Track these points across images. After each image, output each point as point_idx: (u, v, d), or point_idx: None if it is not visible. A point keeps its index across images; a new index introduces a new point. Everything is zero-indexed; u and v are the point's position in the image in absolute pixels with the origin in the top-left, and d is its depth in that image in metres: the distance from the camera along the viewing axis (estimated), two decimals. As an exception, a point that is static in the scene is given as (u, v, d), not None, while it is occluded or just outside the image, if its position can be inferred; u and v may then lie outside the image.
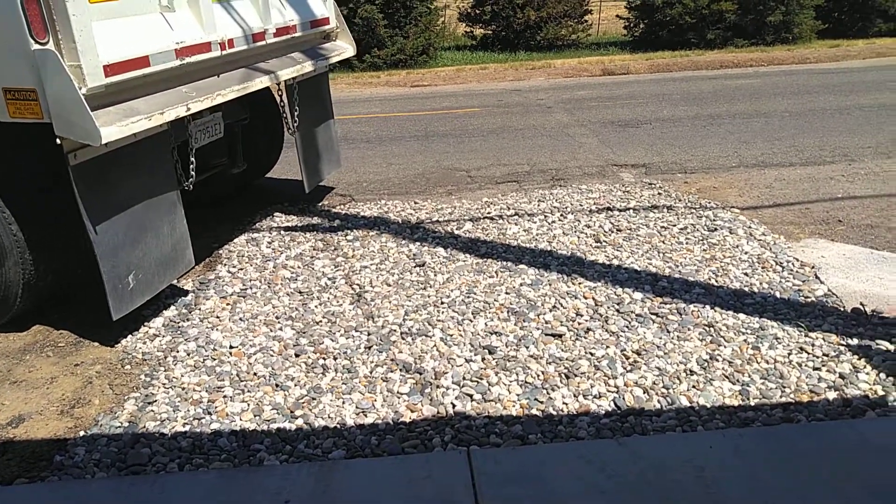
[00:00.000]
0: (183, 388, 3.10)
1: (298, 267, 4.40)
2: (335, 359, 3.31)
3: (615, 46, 19.20)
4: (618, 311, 3.70)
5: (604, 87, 11.07)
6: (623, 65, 14.45)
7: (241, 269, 4.39)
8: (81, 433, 2.80)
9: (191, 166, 4.00)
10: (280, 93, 5.01)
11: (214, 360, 3.33)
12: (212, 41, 3.93)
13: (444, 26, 19.54)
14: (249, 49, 4.32)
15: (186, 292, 4.09)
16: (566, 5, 20.64)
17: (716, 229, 4.75)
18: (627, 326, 3.54)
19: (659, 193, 5.60)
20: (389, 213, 5.32)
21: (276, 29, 4.58)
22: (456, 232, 4.89)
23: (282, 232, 5.00)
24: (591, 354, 3.29)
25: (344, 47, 5.52)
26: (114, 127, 3.16)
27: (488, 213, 5.27)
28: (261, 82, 4.35)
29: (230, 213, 5.35)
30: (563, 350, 3.34)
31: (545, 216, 5.13)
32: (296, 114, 5.06)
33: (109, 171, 3.39)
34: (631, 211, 5.19)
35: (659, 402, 2.93)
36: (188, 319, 3.76)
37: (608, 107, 9.20)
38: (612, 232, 4.79)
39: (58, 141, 3.08)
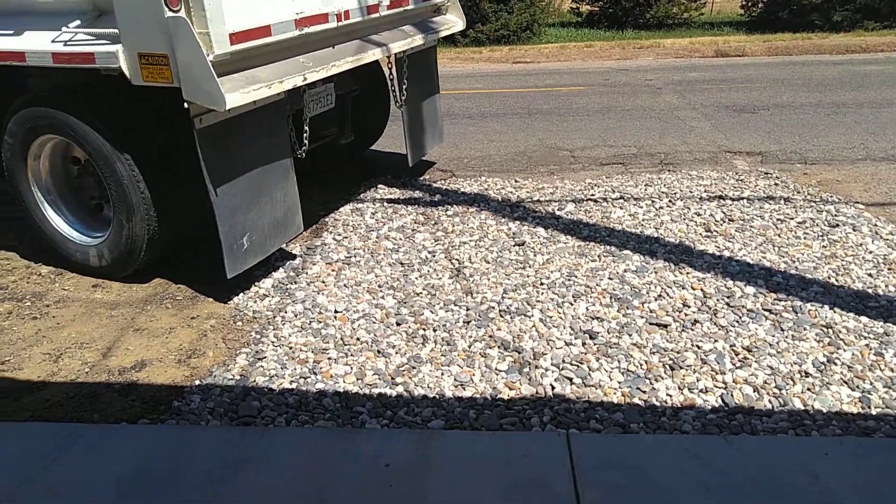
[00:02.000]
0: (290, 348, 3.22)
1: (400, 239, 4.46)
2: (434, 330, 3.34)
3: (730, 27, 18.20)
4: (728, 304, 3.53)
5: (717, 70, 10.53)
6: (738, 46, 13.67)
7: (346, 238, 4.50)
8: (197, 382, 2.97)
9: (304, 135, 4.12)
10: (390, 66, 5.05)
11: (320, 322, 3.44)
12: (329, 12, 4.00)
13: (549, 2, 19.12)
14: (363, 21, 4.37)
15: (294, 256, 4.24)
16: (679, -18, 19.73)
17: (837, 225, 4.44)
18: (738, 321, 3.38)
19: (775, 184, 5.29)
20: (489, 191, 5.29)
21: (390, 1, 4.60)
22: (557, 213, 4.80)
23: (385, 204, 5.08)
24: (698, 347, 3.17)
25: (454, 21, 5.50)
26: (237, 94, 3.28)
27: (592, 195, 5.15)
28: (373, 54, 4.40)
29: (336, 183, 5.48)
30: (668, 341, 3.23)
31: (652, 201, 4.95)
32: (404, 87, 5.09)
33: (230, 136, 3.54)
34: (745, 201, 4.93)
35: (770, 402, 2.79)
36: (296, 282, 3.90)
37: (722, 90, 8.75)
38: (724, 222, 4.57)
39: (185, 105, 3.24)
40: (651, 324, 3.38)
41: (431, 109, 5.67)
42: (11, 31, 3.70)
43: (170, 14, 3.09)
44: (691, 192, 5.15)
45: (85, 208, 4.16)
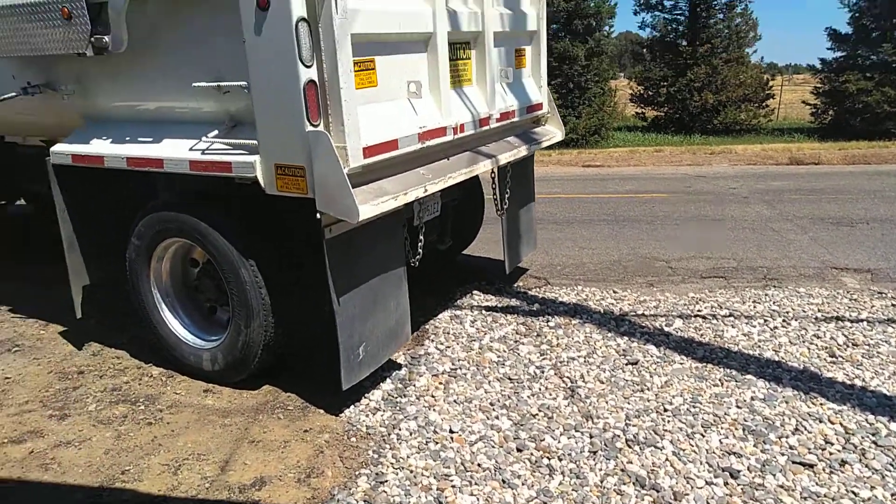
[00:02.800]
0: (411, 471, 3.06)
1: (504, 351, 4.33)
2: (560, 460, 3.14)
3: (800, 133, 18.13)
4: (875, 443, 3.24)
5: (799, 179, 10.37)
6: (813, 154, 13.54)
7: (449, 347, 4.40)
8: (318, 505, 2.83)
9: (420, 244, 4.12)
10: (492, 175, 5.10)
11: (437, 443, 3.29)
12: (447, 126, 4.08)
13: (615, 107, 19.53)
14: (475, 133, 4.45)
15: (400, 366, 4.15)
16: (746, 89, 19.98)
17: (978, 355, 4.12)
18: (892, 464, 3.08)
19: (893, 305, 5.01)
20: (589, 301, 5.16)
21: (500, 114, 4.70)
22: (665, 329, 4.62)
23: (483, 311, 5.00)
24: (854, 494, 2.88)
25: (553, 132, 5.57)
26: (368, 206, 3.31)
27: (698, 310, 4.95)
28: (484, 166, 4.45)
29: (433, 288, 5.44)
30: (818, 484, 2.95)
31: (765, 320, 4.72)
32: (506, 196, 5.11)
33: (354, 246, 3.55)
34: (864, 323, 4.66)
35: (957, 569, 2.47)
36: (405, 395, 3.78)
37: (812, 201, 8.56)
38: (848, 346, 4.30)
39: (318, 215, 3.28)
40: (794, 462, 3.11)
41: (528, 217, 5.67)
42: (151, 139, 3.89)
43: (310, 128, 3.19)
44: (804, 311, 4.91)
45: (200, 311, 4.21)
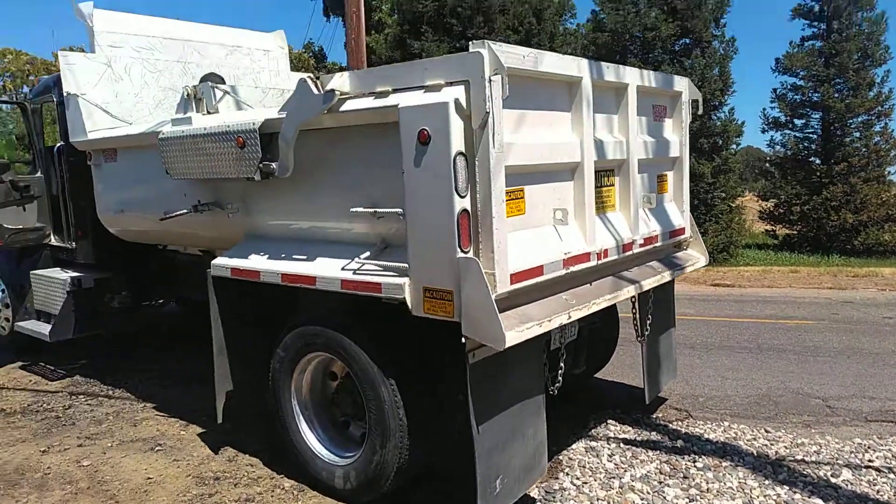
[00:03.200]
0: None
1: (647, 493, 4.00)
2: None
3: (958, 257, 16.55)
4: None
5: (967, 309, 9.34)
6: (976, 280, 12.25)
7: (586, 484, 4.12)
8: None
9: (560, 371, 3.99)
10: (633, 299, 4.94)
11: None
12: (591, 251, 4.02)
13: (743, 224, 18.82)
14: (619, 258, 4.35)
15: (534, 501, 3.92)
16: (890, 209, 18.76)
17: None
18: None
19: None
20: (739, 441, 4.73)
21: (643, 239, 4.60)
22: (832, 480, 4.11)
23: (621, 445, 4.69)
24: None
25: (697, 257, 5.36)
26: (513, 332, 3.25)
27: (869, 460, 4.40)
28: (627, 291, 4.31)
29: (564, 415, 5.20)
30: None
31: (956, 479, 4.11)
32: (647, 322, 4.91)
33: (497, 372, 3.48)
34: None
35: None
36: (542, 536, 3.54)
37: None
38: None
39: (462, 340, 3.26)
40: None
41: (668, 343, 5.40)
42: (305, 257, 4.09)
43: (461, 254, 3.23)
44: None
45: (335, 425, 4.23)
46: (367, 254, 3.74)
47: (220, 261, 4.54)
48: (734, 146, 17.69)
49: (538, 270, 3.58)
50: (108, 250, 6.49)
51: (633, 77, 4.35)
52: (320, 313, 4.12)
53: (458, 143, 3.17)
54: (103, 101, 5.69)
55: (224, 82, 5.16)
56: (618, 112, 4.35)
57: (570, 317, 3.70)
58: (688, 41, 16.37)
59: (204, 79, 5.27)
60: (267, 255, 4.34)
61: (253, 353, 4.64)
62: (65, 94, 5.65)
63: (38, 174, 7.00)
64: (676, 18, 15.76)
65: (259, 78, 6.89)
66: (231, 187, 4.56)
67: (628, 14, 15.92)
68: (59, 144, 6.47)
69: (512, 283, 3.37)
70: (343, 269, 3.81)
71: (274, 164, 4.03)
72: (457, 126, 3.16)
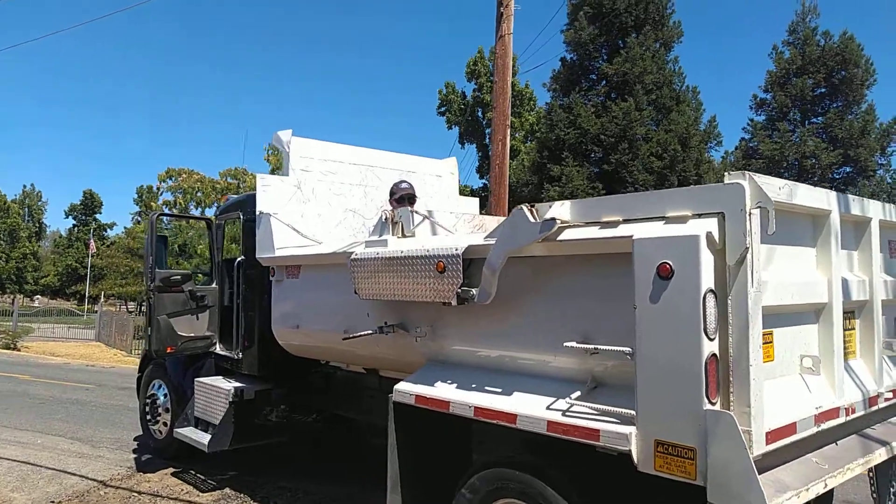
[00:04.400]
0: None
1: None
2: None
3: None
4: None
5: None
6: None
7: None
8: None
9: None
10: (872, 469, 4.19)
11: None
12: (840, 406, 3.45)
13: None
14: (864, 414, 3.73)
15: None
16: None
17: None
18: None
19: None
20: None
21: (889, 391, 3.94)
22: None
23: None
24: None
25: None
26: (773, 502, 2.73)
27: None
28: (879, 455, 3.64)
29: None
30: None
31: None
32: (892, 491, 4.12)
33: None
34: None
35: None
36: None
37: None
38: None
39: (708, 506, 2.77)
40: None
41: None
42: (499, 390, 3.80)
43: (709, 406, 2.80)
44: None
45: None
46: (578, 393, 3.39)
47: (403, 386, 4.32)
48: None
49: (791, 428, 3.09)
50: (271, 362, 6.53)
51: (875, 210, 3.91)
52: (517, 456, 3.74)
53: (708, 279, 2.85)
54: (291, 221, 5.90)
55: (413, 203, 5.21)
56: (858, 248, 3.88)
57: (826, 485, 3.12)
58: (849, 169, 15.47)
59: (401, 201, 5.35)
60: (455, 384, 4.08)
61: (431, 491, 4.30)
62: (258, 212, 5.92)
63: (214, 285, 7.32)
64: (837, 147, 15.03)
65: (429, 202, 7.00)
66: (419, 310, 4.42)
67: (785, 142, 15.37)
68: (239, 258, 6.75)
69: (767, 444, 2.90)
70: (549, 408, 3.47)
71: (474, 290, 3.85)
72: (707, 261, 2.85)
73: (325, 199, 6.32)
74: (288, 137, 6.15)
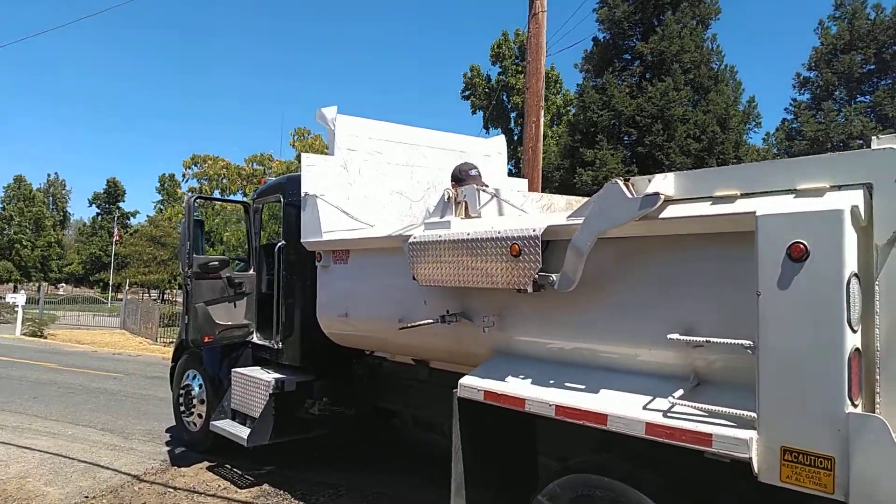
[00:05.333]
0: None
1: None
2: None
3: None
4: None
5: None
6: None
7: None
8: None
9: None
10: None
11: None
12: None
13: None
14: None
15: None
16: None
17: None
18: None
19: None
20: None
21: None
22: None
23: None
24: None
25: None
26: (934, 526, 2.35)
27: None
28: None
29: None
30: None
31: None
32: None
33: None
34: None
35: None
36: None
37: None
38: None
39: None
40: None
41: None
42: (583, 386, 3.44)
43: (851, 409, 2.42)
44: None
45: None
46: (680, 392, 3.01)
47: (469, 380, 3.97)
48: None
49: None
50: (314, 352, 6.21)
51: None
52: (606, 460, 3.37)
53: (851, 261, 2.45)
54: (339, 203, 5.56)
55: (481, 181, 4.84)
56: None
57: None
58: None
59: (462, 181, 4.98)
60: (530, 380, 3.73)
61: (497, 493, 3.97)
62: (304, 193, 5.59)
63: (251, 272, 7.02)
64: (887, 126, 14.38)
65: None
66: (486, 298, 4.06)
67: (830, 122, 14.74)
68: (280, 243, 6.43)
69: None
70: (646, 408, 3.10)
71: (553, 276, 3.48)
72: (851, 240, 2.45)
73: (372, 180, 5.97)
74: (333, 115, 5.80)
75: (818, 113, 15.05)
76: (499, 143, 7.05)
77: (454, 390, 4.01)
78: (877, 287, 2.48)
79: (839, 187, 2.54)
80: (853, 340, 2.45)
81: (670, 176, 3.08)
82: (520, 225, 3.70)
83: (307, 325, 6.00)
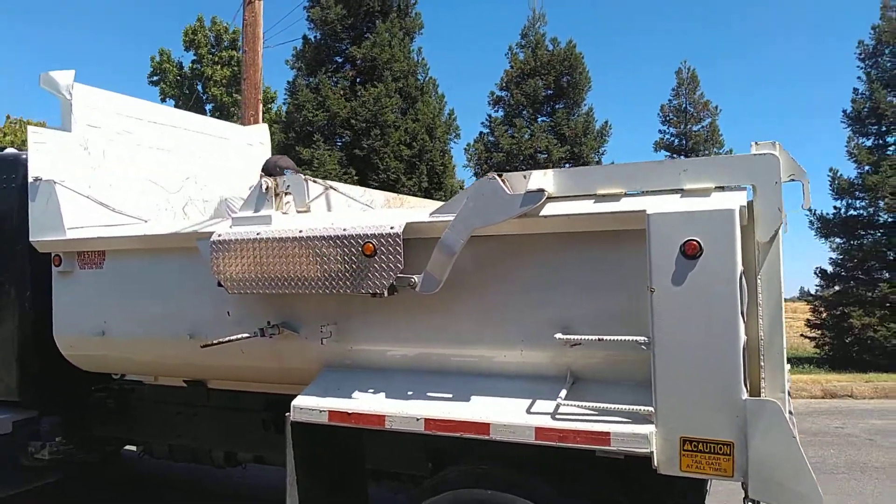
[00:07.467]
0: None
1: None
2: None
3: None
4: None
5: None
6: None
7: None
8: None
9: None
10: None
11: None
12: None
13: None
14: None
15: None
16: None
17: None
18: None
19: None
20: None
21: None
22: None
23: None
24: None
25: None
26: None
27: None
28: None
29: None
30: None
31: None
32: None
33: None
34: None
35: None
36: None
37: None
38: None
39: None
40: None
41: None
42: (450, 395, 3.19)
43: (746, 397, 2.60)
44: None
45: None
46: (564, 392, 2.96)
47: (305, 401, 3.41)
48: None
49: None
50: (37, 382, 4.85)
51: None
52: (488, 471, 3.16)
53: (740, 258, 2.63)
54: (84, 191, 4.38)
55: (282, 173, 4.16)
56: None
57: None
58: (570, 165, 17.39)
59: (281, 169, 4.25)
60: (384, 393, 3.34)
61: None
62: (31, 178, 4.29)
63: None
64: (565, 144, 16.76)
65: (246, 173, 5.88)
66: (316, 304, 3.55)
67: (522, 137, 16.65)
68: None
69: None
70: (530, 412, 2.98)
71: (415, 278, 3.16)
72: (739, 238, 2.63)
73: (120, 165, 4.85)
74: (69, 81, 4.55)
75: (511, 129, 16.93)
76: (262, 131, 6.35)
77: (287, 414, 3.41)
78: (758, 281, 2.70)
79: (723, 188, 2.72)
80: (744, 331, 2.63)
81: (550, 173, 3.00)
82: (373, 222, 3.28)
83: (28, 348, 4.65)
